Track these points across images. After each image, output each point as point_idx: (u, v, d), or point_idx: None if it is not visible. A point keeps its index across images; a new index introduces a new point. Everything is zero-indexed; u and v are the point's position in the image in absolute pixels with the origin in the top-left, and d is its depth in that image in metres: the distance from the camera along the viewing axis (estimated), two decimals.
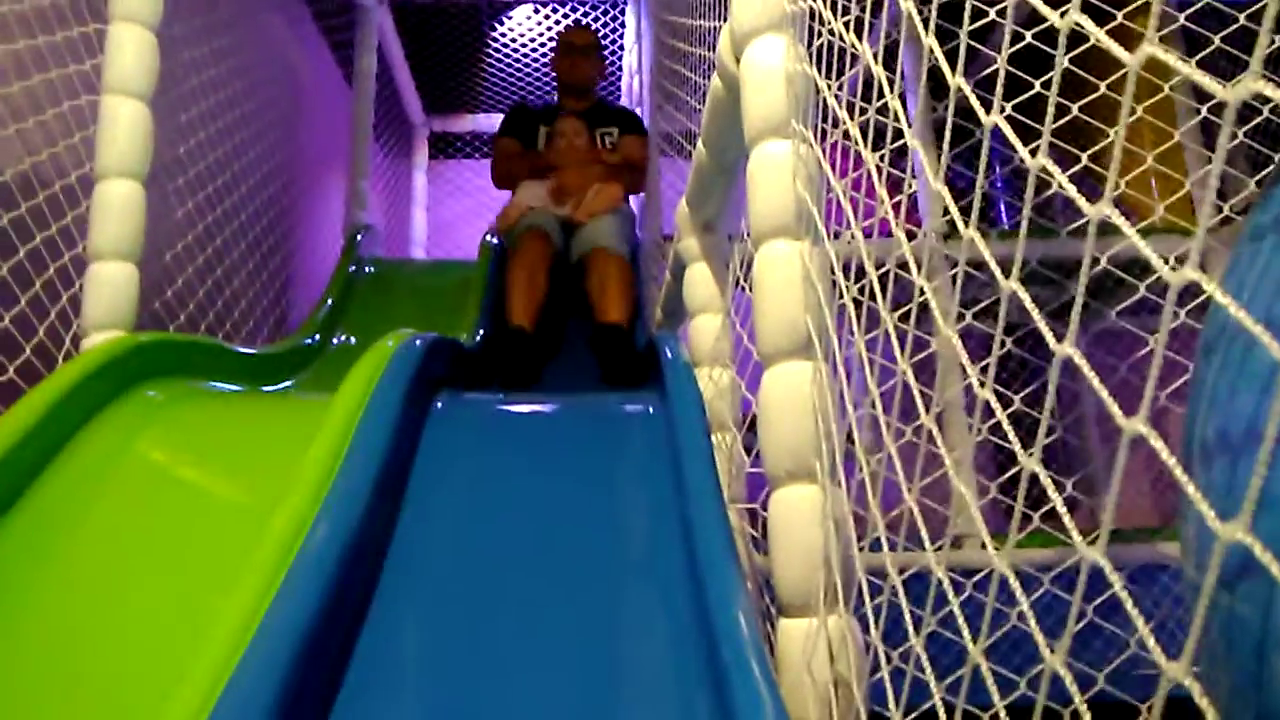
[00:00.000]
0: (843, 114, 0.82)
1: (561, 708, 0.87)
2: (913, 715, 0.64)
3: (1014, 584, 0.46)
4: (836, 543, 0.79)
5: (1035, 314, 0.45)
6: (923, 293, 0.65)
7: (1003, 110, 0.50)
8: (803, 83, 0.96)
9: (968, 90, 0.52)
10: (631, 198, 3.11)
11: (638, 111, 3.37)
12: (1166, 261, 0.33)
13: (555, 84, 3.27)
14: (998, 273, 0.47)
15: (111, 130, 1.46)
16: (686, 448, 1.17)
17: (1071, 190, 0.40)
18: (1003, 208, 3.70)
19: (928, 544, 0.60)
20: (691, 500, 1.06)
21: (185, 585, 1.07)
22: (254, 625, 0.84)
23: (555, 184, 2.82)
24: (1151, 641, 0.29)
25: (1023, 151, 0.45)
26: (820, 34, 0.91)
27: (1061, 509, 0.41)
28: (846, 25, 0.83)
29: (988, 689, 0.44)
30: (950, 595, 0.56)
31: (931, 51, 0.61)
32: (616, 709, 0.87)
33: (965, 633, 0.48)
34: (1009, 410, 0.56)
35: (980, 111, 0.53)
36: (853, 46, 0.82)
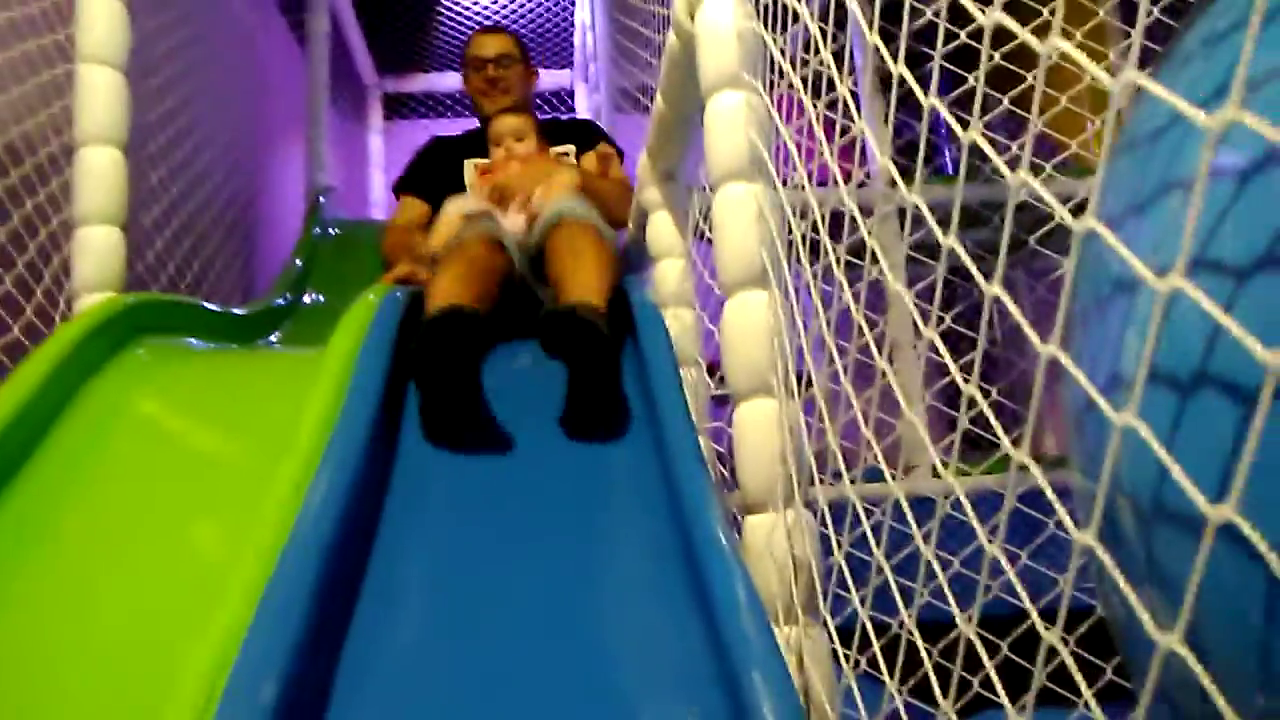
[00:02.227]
0: (787, 68, 0.92)
1: (553, 612, 0.97)
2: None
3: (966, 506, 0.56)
4: (790, 445, 0.91)
5: (968, 262, 0.55)
6: (868, 235, 0.75)
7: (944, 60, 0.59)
8: (752, 38, 1.05)
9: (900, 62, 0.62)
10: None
11: (593, 119, 2.84)
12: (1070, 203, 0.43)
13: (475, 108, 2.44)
14: (935, 227, 0.57)
15: (90, 98, 1.51)
16: (658, 381, 1.28)
17: (995, 157, 0.50)
18: (948, 153, 3.83)
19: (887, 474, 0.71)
20: (665, 424, 1.17)
21: (194, 541, 1.11)
22: (265, 577, 0.87)
23: (494, 184, 1.87)
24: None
25: (967, 131, 0.56)
26: None
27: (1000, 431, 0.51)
28: None
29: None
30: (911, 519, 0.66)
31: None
32: (604, 604, 0.98)
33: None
34: (956, 345, 0.64)
35: (920, 93, 0.63)
36: (794, 4, 0.92)
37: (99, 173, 1.50)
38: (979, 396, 0.50)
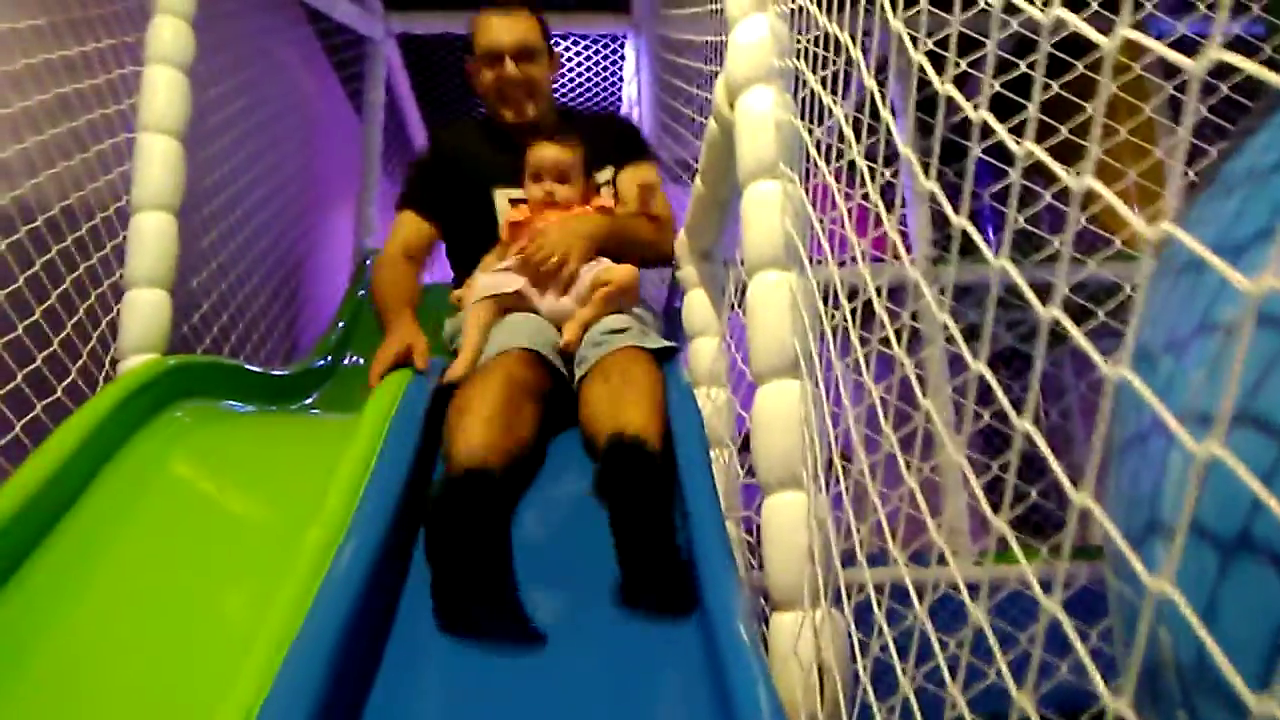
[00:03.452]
0: (818, 158, 0.92)
1: (575, 698, 0.95)
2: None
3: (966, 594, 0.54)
4: (820, 544, 0.89)
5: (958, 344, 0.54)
6: (914, 317, 0.74)
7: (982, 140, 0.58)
8: (790, 129, 1.06)
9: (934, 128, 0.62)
10: (651, 272, 1.90)
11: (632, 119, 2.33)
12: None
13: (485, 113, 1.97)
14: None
15: (147, 165, 1.56)
16: (687, 463, 1.26)
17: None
18: (990, 231, 3.81)
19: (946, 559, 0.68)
20: (692, 514, 1.15)
21: (222, 600, 1.12)
22: (289, 639, 0.88)
23: (530, 259, 1.59)
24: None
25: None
26: (808, 82, 1.01)
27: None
28: (824, 81, 0.94)
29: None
30: (923, 613, 0.64)
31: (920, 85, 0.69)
32: (630, 697, 0.95)
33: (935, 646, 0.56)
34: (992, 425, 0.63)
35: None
36: (831, 101, 0.92)
37: (151, 237, 1.55)
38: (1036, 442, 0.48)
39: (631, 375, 1.34)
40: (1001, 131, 0.51)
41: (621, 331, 1.48)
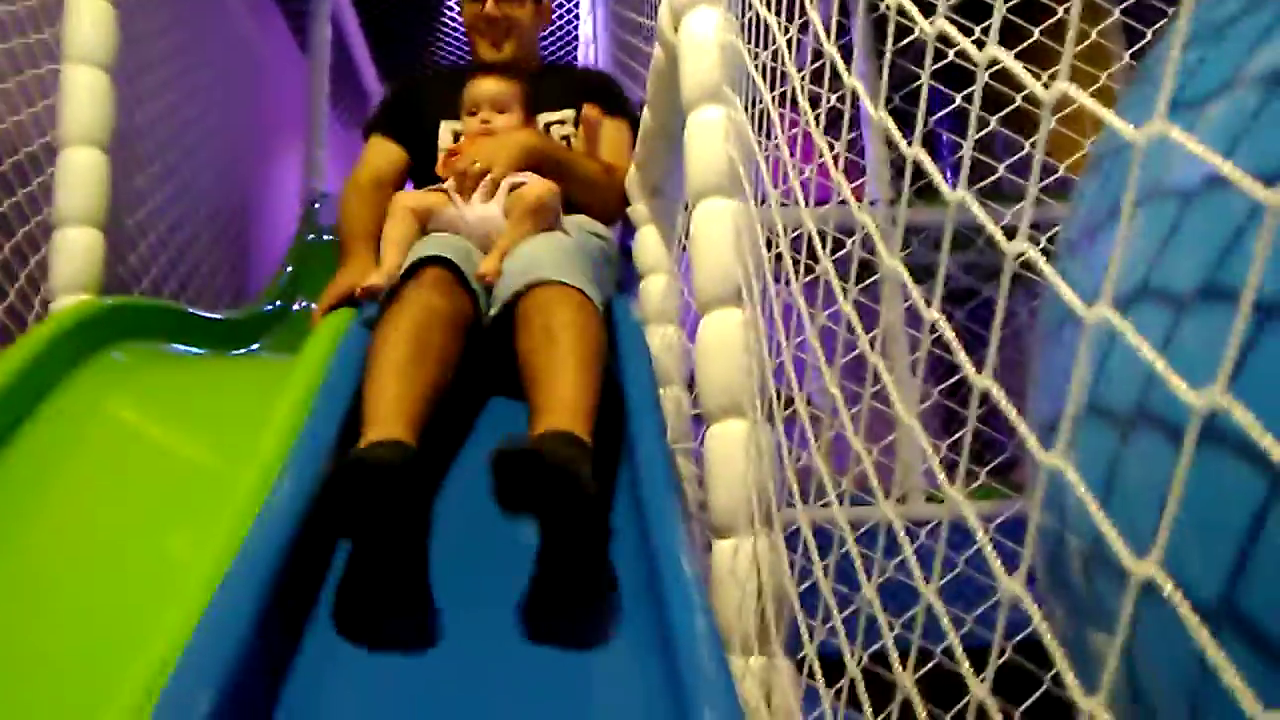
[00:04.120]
0: (762, 84, 0.90)
1: (508, 639, 0.94)
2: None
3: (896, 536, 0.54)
4: (761, 470, 0.89)
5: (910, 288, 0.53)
6: (867, 255, 0.73)
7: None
8: (734, 52, 1.04)
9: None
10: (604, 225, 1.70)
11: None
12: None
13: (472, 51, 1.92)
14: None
15: (73, 98, 1.50)
16: (636, 404, 1.25)
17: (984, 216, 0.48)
18: (949, 172, 3.82)
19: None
20: (638, 449, 1.14)
21: (156, 541, 1.10)
22: (219, 578, 0.87)
23: (455, 169, 1.52)
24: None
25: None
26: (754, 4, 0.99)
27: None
28: (770, 3, 0.91)
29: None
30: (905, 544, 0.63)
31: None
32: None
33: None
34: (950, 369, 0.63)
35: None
36: (780, 27, 0.90)
37: (80, 174, 1.49)
38: (994, 391, 0.47)
39: (553, 329, 1.19)
40: (964, 41, 0.50)
41: (538, 262, 1.31)
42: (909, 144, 0.52)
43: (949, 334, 0.37)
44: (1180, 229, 0.32)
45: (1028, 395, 0.41)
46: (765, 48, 1.00)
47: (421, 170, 1.77)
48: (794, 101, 0.92)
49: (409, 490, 0.95)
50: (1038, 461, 0.29)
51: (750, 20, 1.01)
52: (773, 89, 0.95)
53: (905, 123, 0.68)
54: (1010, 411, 0.31)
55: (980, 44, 0.44)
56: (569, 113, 1.77)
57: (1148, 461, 0.31)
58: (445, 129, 1.75)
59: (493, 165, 1.48)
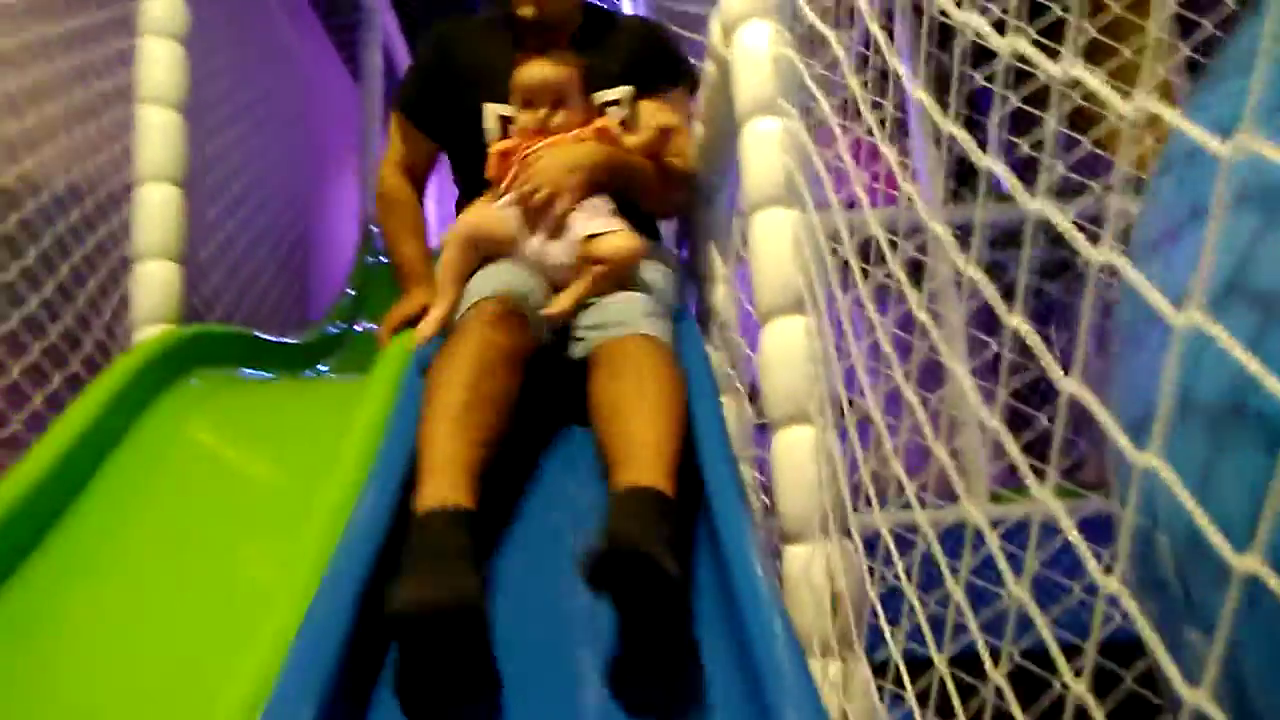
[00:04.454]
0: (854, 86, 0.91)
1: (587, 641, 0.96)
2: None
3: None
4: (830, 475, 0.90)
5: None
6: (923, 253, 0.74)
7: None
8: (788, 64, 1.05)
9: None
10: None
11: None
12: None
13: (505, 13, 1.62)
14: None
15: (148, 137, 1.56)
16: (700, 414, 1.26)
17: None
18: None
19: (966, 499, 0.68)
20: (705, 458, 1.15)
21: (242, 561, 1.15)
22: (308, 597, 0.89)
23: (520, 198, 1.39)
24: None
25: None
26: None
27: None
28: (824, 13, 0.92)
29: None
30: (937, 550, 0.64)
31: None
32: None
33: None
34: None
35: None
36: (828, 37, 0.91)
37: (157, 209, 1.55)
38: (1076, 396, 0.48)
39: (631, 369, 1.16)
40: (1044, 62, 0.51)
41: (622, 320, 1.28)
42: (972, 147, 0.52)
43: (1035, 341, 0.37)
44: (1267, 231, 0.32)
45: (1110, 394, 0.41)
46: (817, 57, 1.01)
47: (464, 159, 1.61)
48: (848, 109, 0.93)
49: (470, 636, 0.89)
50: (1131, 462, 0.30)
51: (803, 31, 1.03)
52: (828, 98, 0.96)
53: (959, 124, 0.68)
54: (1103, 415, 0.32)
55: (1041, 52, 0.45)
56: (625, 90, 1.56)
57: (1241, 458, 0.32)
58: (490, 113, 1.56)
59: (559, 191, 1.37)
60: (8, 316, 1.43)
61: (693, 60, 1.64)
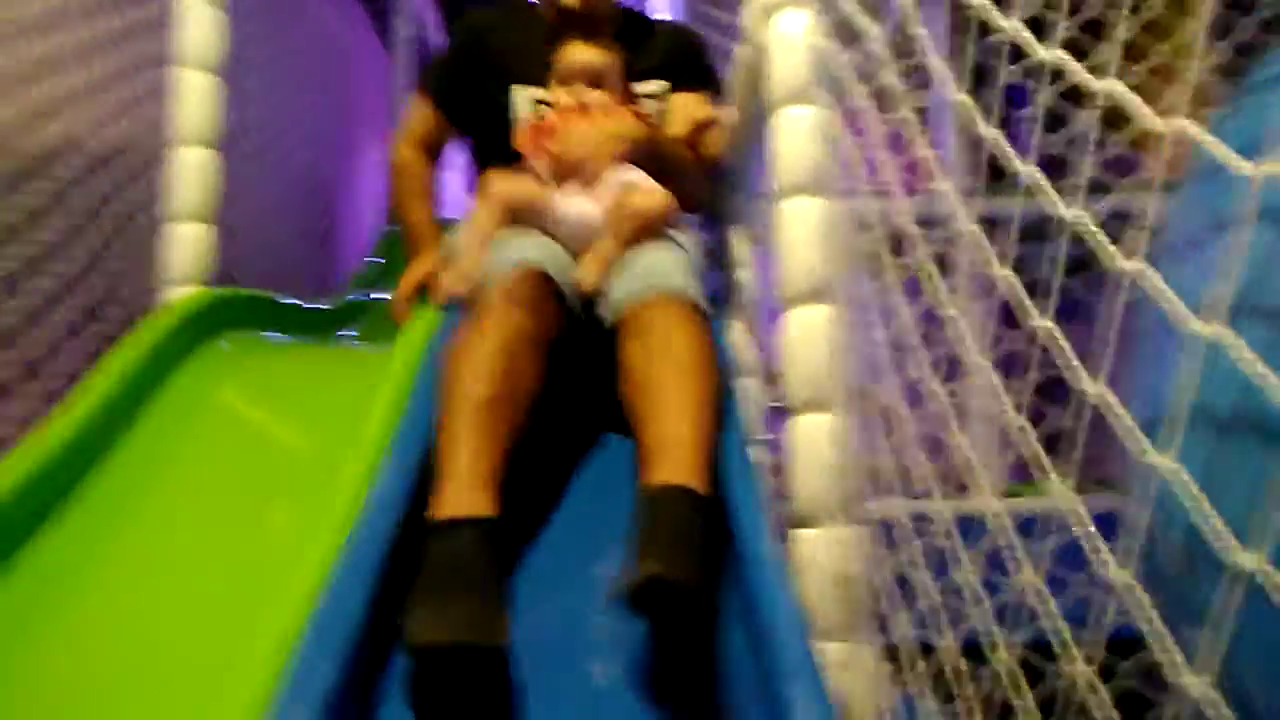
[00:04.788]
0: (888, 77, 0.92)
1: (596, 617, 0.98)
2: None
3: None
4: (844, 461, 0.91)
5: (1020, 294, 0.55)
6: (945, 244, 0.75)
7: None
8: (823, 53, 1.06)
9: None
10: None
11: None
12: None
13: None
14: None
15: (186, 100, 1.58)
16: None
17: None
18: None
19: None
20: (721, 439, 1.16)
21: (268, 522, 1.18)
22: (331, 560, 0.92)
23: (553, 156, 1.38)
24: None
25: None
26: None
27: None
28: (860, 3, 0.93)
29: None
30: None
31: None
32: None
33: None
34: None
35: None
36: (863, 28, 0.92)
37: (192, 172, 1.58)
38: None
39: (676, 348, 1.10)
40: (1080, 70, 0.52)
41: (654, 275, 1.22)
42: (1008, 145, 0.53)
43: (1063, 344, 0.39)
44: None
45: (1127, 393, 0.43)
46: (851, 46, 1.02)
47: (489, 142, 1.58)
48: (880, 99, 0.94)
49: (491, 670, 0.88)
50: (1147, 464, 0.31)
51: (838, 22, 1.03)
52: (862, 86, 0.97)
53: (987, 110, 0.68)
54: (1125, 419, 0.34)
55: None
56: (660, 84, 1.60)
57: (1246, 461, 0.33)
58: (521, 96, 1.55)
59: (596, 156, 1.34)
60: (46, 274, 1.46)
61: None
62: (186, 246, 1.57)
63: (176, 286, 1.56)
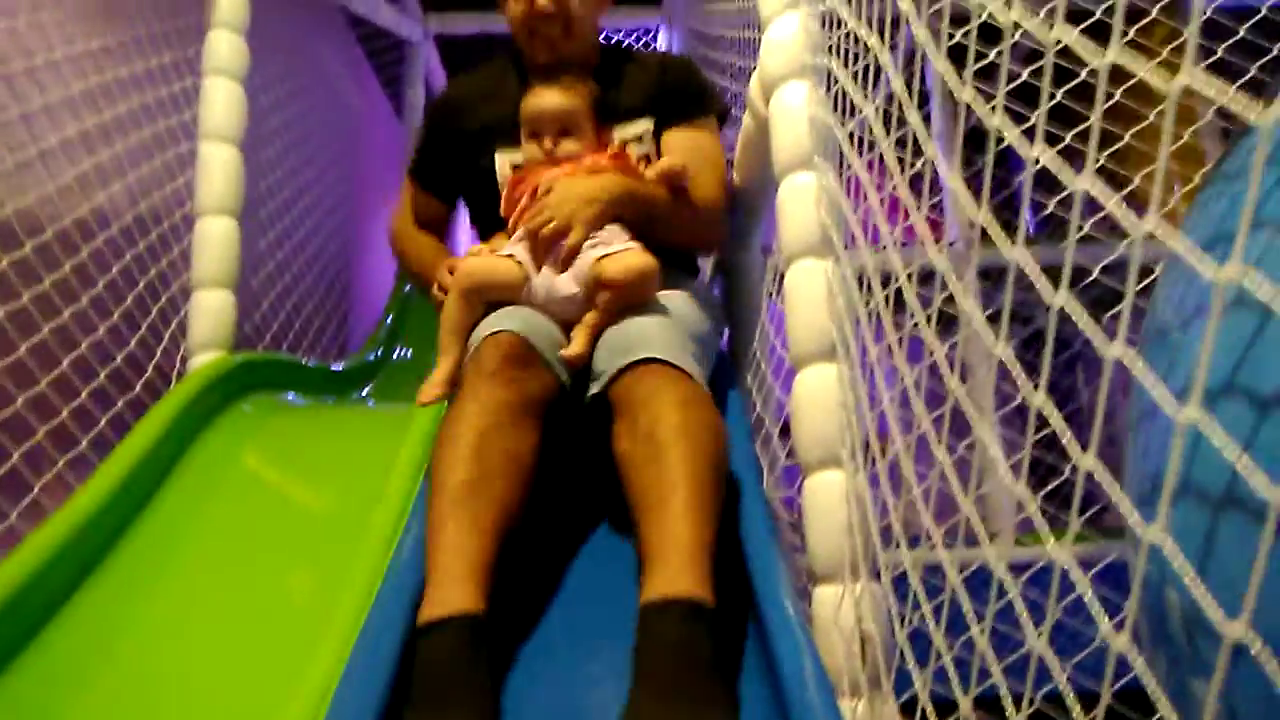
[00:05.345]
0: (850, 152, 0.96)
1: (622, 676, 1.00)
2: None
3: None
4: (859, 520, 0.93)
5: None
6: (949, 299, 0.78)
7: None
8: (823, 123, 1.10)
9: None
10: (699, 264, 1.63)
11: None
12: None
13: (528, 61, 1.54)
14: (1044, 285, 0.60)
15: (208, 173, 1.64)
16: (733, 454, 1.28)
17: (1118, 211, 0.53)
18: (1029, 213, 3.78)
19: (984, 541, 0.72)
20: (738, 497, 1.18)
21: (294, 585, 1.19)
22: (359, 623, 0.95)
23: (528, 227, 1.30)
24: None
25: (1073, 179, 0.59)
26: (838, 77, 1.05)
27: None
28: (856, 75, 0.97)
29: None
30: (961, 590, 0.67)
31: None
32: None
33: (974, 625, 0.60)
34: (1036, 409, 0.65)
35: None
36: (861, 97, 0.96)
37: (215, 241, 1.63)
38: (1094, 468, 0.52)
39: (660, 434, 1.02)
40: (1012, 136, 0.55)
41: (641, 342, 1.14)
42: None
43: (1055, 417, 0.42)
44: (1265, 331, 0.36)
45: (1125, 464, 0.45)
46: (852, 116, 1.06)
47: (481, 210, 1.54)
48: (874, 152, 0.98)
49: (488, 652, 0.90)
50: (1138, 536, 0.33)
51: (837, 93, 1.08)
52: (860, 154, 1.01)
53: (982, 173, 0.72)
54: (1115, 491, 0.36)
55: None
56: (646, 124, 1.47)
57: (1238, 531, 0.35)
58: (503, 161, 1.47)
59: (570, 224, 1.26)
60: (78, 342, 1.51)
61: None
62: (210, 313, 1.61)
63: (201, 352, 1.60)
